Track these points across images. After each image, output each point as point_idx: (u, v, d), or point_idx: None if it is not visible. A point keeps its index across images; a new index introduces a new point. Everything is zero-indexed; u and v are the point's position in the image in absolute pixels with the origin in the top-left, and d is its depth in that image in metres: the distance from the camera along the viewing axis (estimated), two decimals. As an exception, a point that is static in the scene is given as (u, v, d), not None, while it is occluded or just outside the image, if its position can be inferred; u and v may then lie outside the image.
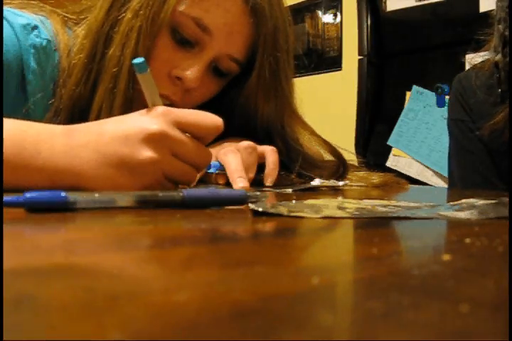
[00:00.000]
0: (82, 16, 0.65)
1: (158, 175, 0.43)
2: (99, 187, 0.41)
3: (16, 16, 0.61)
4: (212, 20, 0.60)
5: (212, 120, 0.46)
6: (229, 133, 0.58)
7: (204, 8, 0.60)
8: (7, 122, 0.42)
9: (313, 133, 0.72)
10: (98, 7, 0.61)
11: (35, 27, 0.61)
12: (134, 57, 0.46)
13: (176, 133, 0.43)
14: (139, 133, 0.42)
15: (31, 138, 0.42)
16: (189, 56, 0.62)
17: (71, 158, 0.42)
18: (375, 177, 0.71)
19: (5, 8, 0.62)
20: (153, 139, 0.42)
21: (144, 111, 0.45)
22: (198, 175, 0.49)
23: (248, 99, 0.67)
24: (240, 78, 0.67)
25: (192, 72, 0.61)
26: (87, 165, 0.41)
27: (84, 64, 0.60)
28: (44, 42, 0.61)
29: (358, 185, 0.67)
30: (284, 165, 0.68)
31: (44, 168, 0.41)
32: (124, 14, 0.59)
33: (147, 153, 0.41)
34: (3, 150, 0.40)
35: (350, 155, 0.77)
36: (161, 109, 0.44)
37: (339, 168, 0.69)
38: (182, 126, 0.44)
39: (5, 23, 0.59)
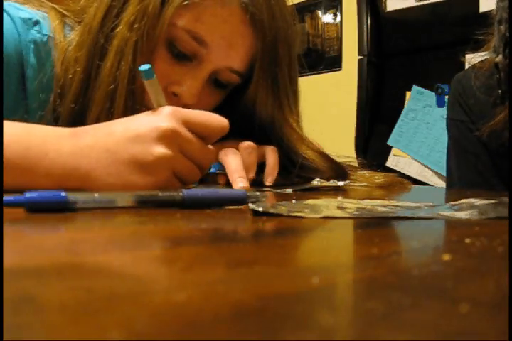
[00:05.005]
0: (82, 16, 0.65)
1: (169, 172, 0.43)
2: (109, 185, 0.41)
3: (18, 10, 0.60)
4: (208, 33, 0.58)
5: (219, 121, 0.47)
6: (229, 135, 0.58)
7: (200, 20, 0.57)
8: (12, 125, 0.42)
9: (311, 147, 0.67)
10: (92, 15, 0.59)
11: (37, 22, 0.60)
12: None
13: (185, 132, 0.44)
14: (152, 130, 0.42)
15: (38, 139, 0.42)
16: (186, 71, 0.59)
17: (79, 159, 0.41)
18: (378, 177, 0.70)
19: (7, 2, 0.61)
20: (165, 136, 0.42)
21: (150, 111, 0.45)
22: None
23: (247, 107, 0.65)
24: (242, 85, 0.65)
25: (189, 88, 0.59)
26: (96, 164, 0.41)
27: (80, 80, 0.58)
28: (45, 38, 0.60)
29: (358, 185, 0.67)
30: (284, 165, 0.68)
31: (51, 169, 0.41)
32: (118, 27, 0.56)
33: (161, 150, 0.42)
34: (9, 154, 0.40)
35: (350, 159, 0.76)
36: (168, 108, 0.45)
37: (338, 176, 0.67)
38: (189, 126, 0.44)
39: (6, 16, 0.58)
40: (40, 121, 0.58)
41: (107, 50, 0.57)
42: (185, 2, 0.56)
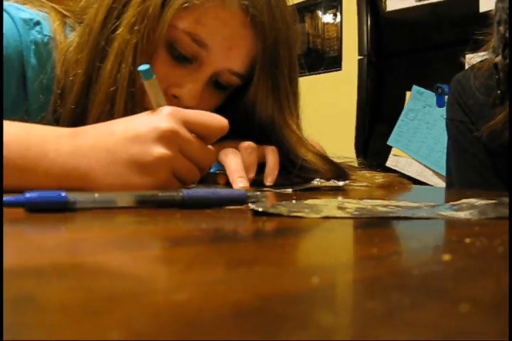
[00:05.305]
0: (82, 16, 0.64)
1: (169, 172, 0.43)
2: (108, 185, 0.41)
3: (18, 11, 0.60)
4: (209, 35, 0.57)
5: (218, 121, 0.47)
6: (229, 135, 0.58)
7: (200, 23, 0.57)
8: (11, 125, 0.42)
9: (311, 150, 0.67)
10: (92, 17, 0.59)
11: (38, 23, 0.60)
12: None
13: (185, 132, 0.44)
14: (151, 131, 0.42)
15: (37, 139, 0.42)
16: (187, 73, 0.59)
17: (79, 158, 0.41)
18: (379, 177, 0.70)
19: (8, 2, 0.61)
20: (165, 136, 0.42)
21: (150, 111, 0.45)
22: None
23: (247, 108, 0.65)
24: (242, 86, 0.65)
25: (189, 90, 0.59)
26: (96, 164, 0.41)
27: (81, 82, 0.58)
28: (45, 39, 0.60)
29: (358, 185, 0.67)
30: (284, 165, 0.67)
31: (51, 169, 0.41)
32: (119, 29, 0.56)
33: (160, 150, 0.42)
34: (9, 153, 0.40)
35: (350, 159, 0.76)
36: (168, 108, 0.45)
37: (338, 177, 0.67)
38: (189, 126, 0.45)
39: (7, 16, 0.58)
40: (41, 122, 0.58)
41: (107, 52, 0.57)
42: (186, 4, 0.56)
